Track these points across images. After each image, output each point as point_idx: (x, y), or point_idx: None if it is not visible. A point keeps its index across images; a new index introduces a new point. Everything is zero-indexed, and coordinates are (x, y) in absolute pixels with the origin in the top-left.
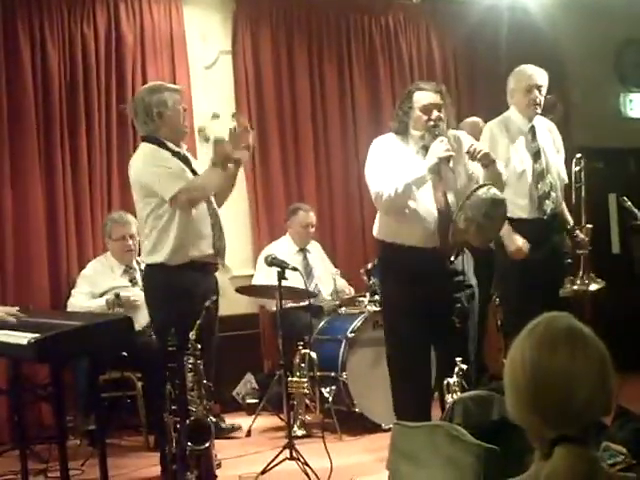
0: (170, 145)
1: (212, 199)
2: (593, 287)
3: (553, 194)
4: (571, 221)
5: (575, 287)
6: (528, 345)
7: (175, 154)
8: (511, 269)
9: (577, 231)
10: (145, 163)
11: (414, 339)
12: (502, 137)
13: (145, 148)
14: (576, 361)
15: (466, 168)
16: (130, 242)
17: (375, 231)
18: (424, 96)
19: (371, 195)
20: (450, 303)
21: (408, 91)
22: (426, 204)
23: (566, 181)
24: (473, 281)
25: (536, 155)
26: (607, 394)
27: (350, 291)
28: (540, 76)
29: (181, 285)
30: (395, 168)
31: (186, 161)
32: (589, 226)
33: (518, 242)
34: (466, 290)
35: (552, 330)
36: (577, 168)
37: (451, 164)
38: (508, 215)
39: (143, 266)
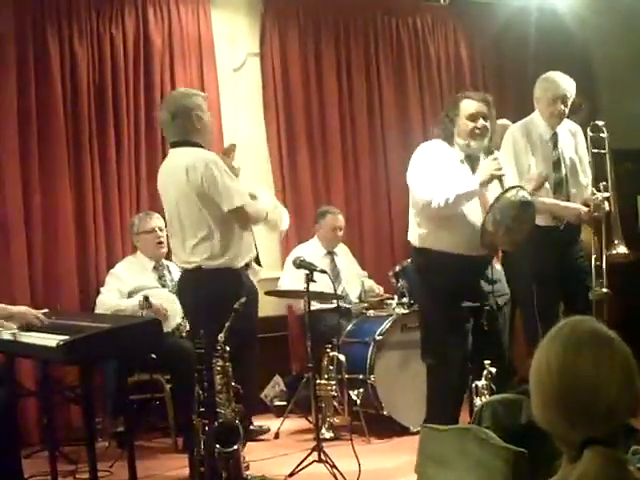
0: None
1: None
2: (622, 250)
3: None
4: None
5: (604, 290)
6: (553, 348)
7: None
8: (528, 276)
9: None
10: (214, 168)
11: (458, 350)
12: (523, 143)
13: (206, 154)
14: (601, 363)
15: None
16: (160, 233)
17: (414, 239)
18: (471, 105)
19: (415, 202)
20: (486, 309)
21: (455, 99)
22: (473, 213)
23: (589, 184)
24: (506, 290)
25: (556, 164)
26: (633, 396)
27: (380, 290)
28: (566, 86)
29: (247, 286)
30: (443, 176)
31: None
32: (607, 194)
33: (577, 207)
34: (498, 298)
35: (577, 333)
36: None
37: (503, 183)
38: None
39: (179, 269)
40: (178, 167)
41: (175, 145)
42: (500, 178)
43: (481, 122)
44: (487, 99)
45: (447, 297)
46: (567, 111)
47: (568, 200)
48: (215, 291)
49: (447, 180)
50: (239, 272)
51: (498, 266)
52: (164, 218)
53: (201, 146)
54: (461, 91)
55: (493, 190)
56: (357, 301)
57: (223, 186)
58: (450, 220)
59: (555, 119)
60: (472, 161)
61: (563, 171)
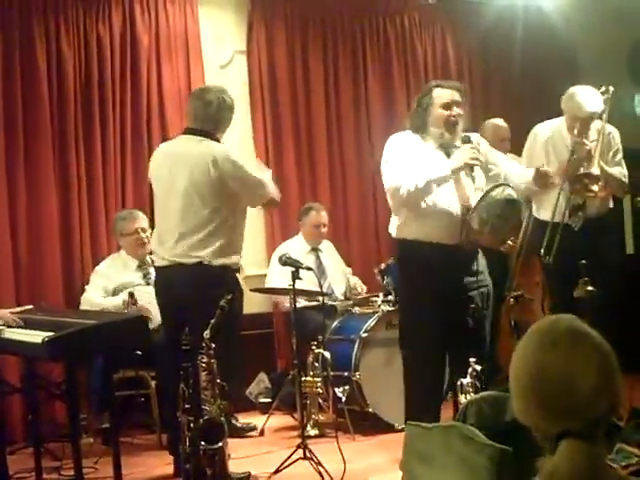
0: None
1: None
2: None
3: (585, 208)
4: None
5: (589, 288)
6: (530, 344)
7: None
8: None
9: None
10: (238, 164)
11: (432, 339)
12: (541, 143)
13: (230, 151)
14: (575, 358)
15: (487, 169)
16: (143, 235)
17: (393, 230)
18: (445, 93)
19: (387, 189)
20: (466, 302)
21: (428, 88)
22: (449, 201)
23: (625, 181)
24: (488, 281)
25: None
26: (612, 393)
27: (363, 288)
28: (588, 109)
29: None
30: (414, 164)
31: None
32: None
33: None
34: (481, 289)
35: (553, 330)
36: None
37: (474, 172)
38: (535, 215)
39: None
40: (199, 156)
41: (193, 133)
42: (472, 167)
43: (455, 110)
44: (459, 87)
45: (423, 287)
46: (589, 128)
47: (583, 204)
48: (215, 288)
49: (418, 167)
50: (237, 271)
51: (482, 258)
52: (151, 214)
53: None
54: (433, 80)
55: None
56: (342, 298)
57: (251, 181)
58: (425, 209)
59: (572, 133)
60: (446, 149)
61: None
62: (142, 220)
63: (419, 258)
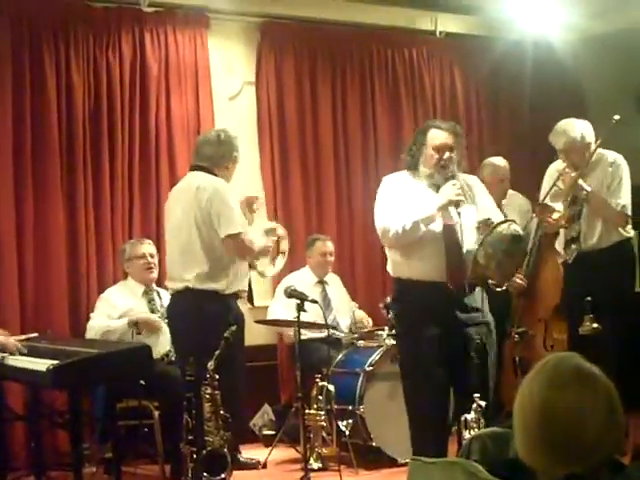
0: None
1: None
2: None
3: (580, 239)
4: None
5: (595, 325)
6: (536, 384)
7: None
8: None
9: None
10: (220, 194)
11: (430, 372)
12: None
13: (217, 180)
14: (584, 399)
15: (481, 210)
16: (150, 259)
17: (389, 268)
18: (438, 135)
19: (378, 230)
20: (466, 338)
21: (424, 127)
22: (435, 239)
23: (624, 211)
24: (489, 317)
25: (573, 200)
26: (616, 432)
27: (369, 322)
28: (562, 136)
29: (234, 311)
30: (404, 205)
31: None
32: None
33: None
34: (482, 326)
35: (560, 369)
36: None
37: (459, 209)
38: None
39: (169, 291)
40: (190, 187)
41: (196, 169)
42: (458, 203)
43: (447, 154)
44: (455, 130)
45: (415, 325)
46: (578, 157)
47: (578, 236)
48: (200, 312)
49: (407, 208)
50: (226, 297)
51: (478, 294)
52: (158, 243)
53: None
54: (431, 120)
55: (465, 215)
56: (347, 331)
57: (226, 210)
58: (414, 248)
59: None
60: (436, 188)
61: (577, 207)
62: (150, 246)
63: (411, 296)
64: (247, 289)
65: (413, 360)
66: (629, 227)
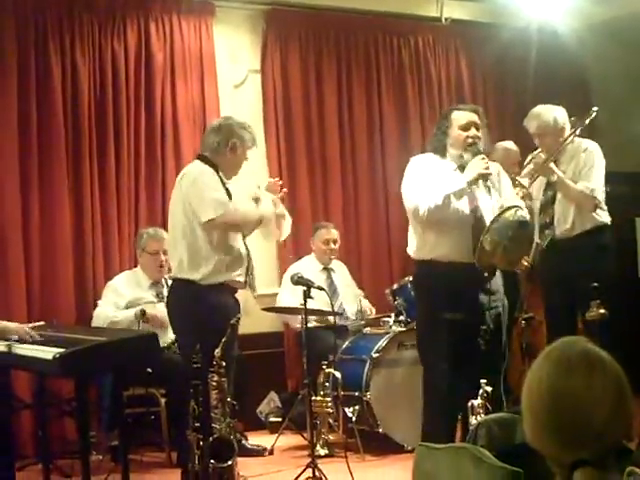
0: (221, 174)
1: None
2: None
3: (554, 225)
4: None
5: (601, 311)
6: (545, 369)
7: (223, 184)
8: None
9: None
10: (195, 182)
11: (448, 357)
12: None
13: (201, 167)
14: (592, 384)
15: (501, 194)
16: (162, 258)
17: (412, 250)
18: (462, 115)
19: (407, 210)
20: (479, 322)
21: (445, 112)
22: (462, 218)
23: (593, 195)
24: (503, 301)
25: (547, 185)
26: (625, 417)
27: (372, 311)
28: (531, 121)
29: (208, 303)
30: (432, 183)
31: (229, 195)
32: None
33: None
34: (494, 310)
35: (568, 354)
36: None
37: (488, 183)
38: None
39: (170, 282)
40: (180, 176)
41: (197, 158)
42: (486, 177)
43: (473, 131)
44: (477, 109)
45: (438, 306)
46: (552, 142)
47: (551, 221)
48: (175, 301)
49: (436, 185)
50: (203, 287)
51: (499, 277)
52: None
53: (217, 168)
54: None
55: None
56: (354, 318)
57: (198, 197)
58: (443, 227)
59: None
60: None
61: (550, 193)
62: (165, 243)
63: (435, 278)
64: (243, 279)
65: (432, 346)
66: (605, 213)
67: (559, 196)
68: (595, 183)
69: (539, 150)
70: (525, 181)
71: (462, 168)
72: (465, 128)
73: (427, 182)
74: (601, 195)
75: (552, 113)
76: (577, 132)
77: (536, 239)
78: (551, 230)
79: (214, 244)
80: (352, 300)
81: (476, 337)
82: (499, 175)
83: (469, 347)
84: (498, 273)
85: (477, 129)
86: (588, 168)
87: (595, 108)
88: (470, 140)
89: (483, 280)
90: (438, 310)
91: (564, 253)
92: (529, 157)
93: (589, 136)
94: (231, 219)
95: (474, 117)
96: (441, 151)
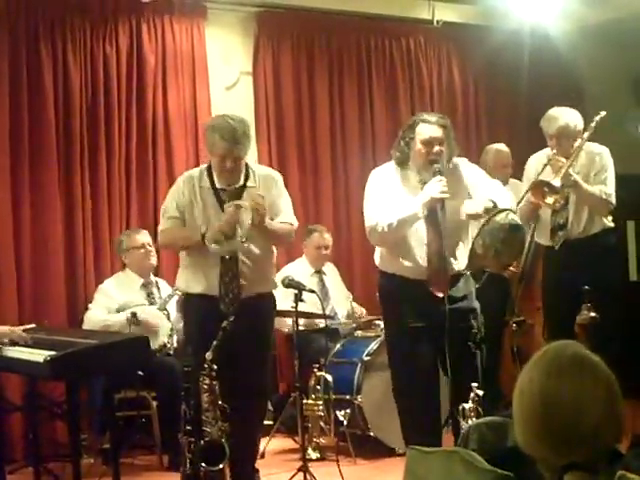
0: (215, 178)
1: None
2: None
3: (568, 226)
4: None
5: (592, 314)
6: (536, 373)
7: (214, 189)
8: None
9: None
10: (175, 186)
11: (416, 370)
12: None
13: (183, 175)
14: (583, 387)
15: (470, 196)
16: (150, 248)
17: (377, 261)
18: (427, 129)
19: (365, 225)
20: (456, 330)
21: (412, 122)
22: (418, 238)
23: (609, 199)
24: (475, 303)
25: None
26: (616, 421)
27: (362, 312)
28: (557, 122)
29: (192, 311)
30: (392, 201)
31: (218, 202)
32: None
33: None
34: (469, 314)
35: (559, 358)
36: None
37: (445, 205)
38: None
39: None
40: None
41: None
42: (442, 201)
43: (436, 148)
44: (444, 123)
45: (402, 319)
46: (569, 145)
47: (565, 222)
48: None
49: (394, 205)
50: (190, 295)
51: (461, 282)
52: (155, 234)
53: (209, 169)
54: (419, 113)
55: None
56: (345, 320)
57: (165, 205)
58: (399, 245)
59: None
60: (426, 183)
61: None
62: (146, 235)
63: (397, 291)
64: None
65: (400, 354)
66: (610, 217)
67: (572, 198)
68: (610, 188)
69: (553, 154)
70: (557, 181)
71: (422, 182)
72: (427, 144)
73: (385, 199)
74: (614, 199)
75: (572, 116)
76: (589, 135)
77: (543, 241)
78: (564, 232)
79: (188, 259)
80: (344, 303)
81: (459, 343)
82: (465, 181)
83: (451, 353)
84: (470, 279)
85: (441, 145)
86: (603, 172)
87: (603, 112)
88: (432, 157)
89: (436, 293)
90: (401, 323)
91: (577, 255)
92: (546, 160)
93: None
94: (168, 238)
95: (438, 132)
96: (403, 162)
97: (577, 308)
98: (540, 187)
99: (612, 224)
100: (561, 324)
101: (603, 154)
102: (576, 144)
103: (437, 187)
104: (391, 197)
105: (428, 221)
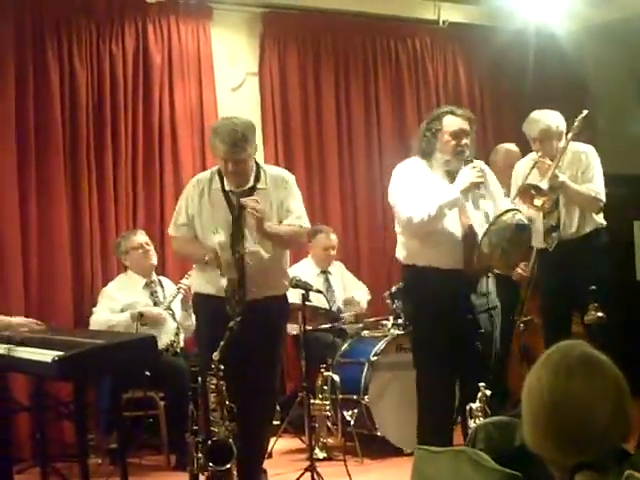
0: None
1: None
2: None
3: (560, 227)
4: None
5: (599, 314)
6: (544, 372)
7: (225, 193)
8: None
9: None
10: (186, 190)
11: (442, 360)
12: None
13: (194, 179)
14: (592, 387)
15: (493, 198)
16: (148, 247)
17: (400, 255)
18: (455, 122)
19: (399, 220)
20: (473, 325)
21: (439, 113)
22: (452, 226)
23: (598, 197)
24: (496, 302)
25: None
26: (625, 420)
27: (361, 304)
28: (538, 125)
29: (202, 311)
30: (425, 190)
31: (230, 207)
32: None
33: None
34: (489, 311)
35: (567, 357)
36: None
37: (481, 190)
38: None
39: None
40: None
41: None
42: (479, 186)
43: (464, 140)
44: (470, 117)
45: (431, 312)
46: (552, 147)
47: (557, 224)
48: None
49: (427, 194)
50: (200, 296)
51: (491, 279)
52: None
53: (219, 172)
54: (444, 106)
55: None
56: (352, 320)
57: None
58: (432, 236)
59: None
60: (452, 176)
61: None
62: (143, 235)
63: (427, 284)
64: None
65: (426, 349)
66: (601, 215)
67: (563, 199)
68: (599, 185)
69: (538, 156)
70: (545, 184)
71: (448, 173)
72: (456, 136)
73: (417, 191)
74: (604, 197)
75: (554, 118)
76: (573, 135)
77: (538, 244)
78: (558, 233)
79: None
80: (362, 295)
81: (471, 341)
82: (485, 177)
83: (465, 350)
84: (490, 275)
85: (467, 137)
86: (590, 170)
87: (585, 111)
88: (459, 149)
89: (473, 284)
90: (429, 315)
91: (569, 255)
92: (529, 167)
93: (588, 139)
94: (178, 248)
95: (466, 125)
96: (428, 154)
97: (573, 308)
98: (527, 191)
99: (604, 222)
100: (558, 325)
101: (588, 152)
102: (560, 145)
103: (473, 173)
104: (424, 187)
105: (462, 209)
